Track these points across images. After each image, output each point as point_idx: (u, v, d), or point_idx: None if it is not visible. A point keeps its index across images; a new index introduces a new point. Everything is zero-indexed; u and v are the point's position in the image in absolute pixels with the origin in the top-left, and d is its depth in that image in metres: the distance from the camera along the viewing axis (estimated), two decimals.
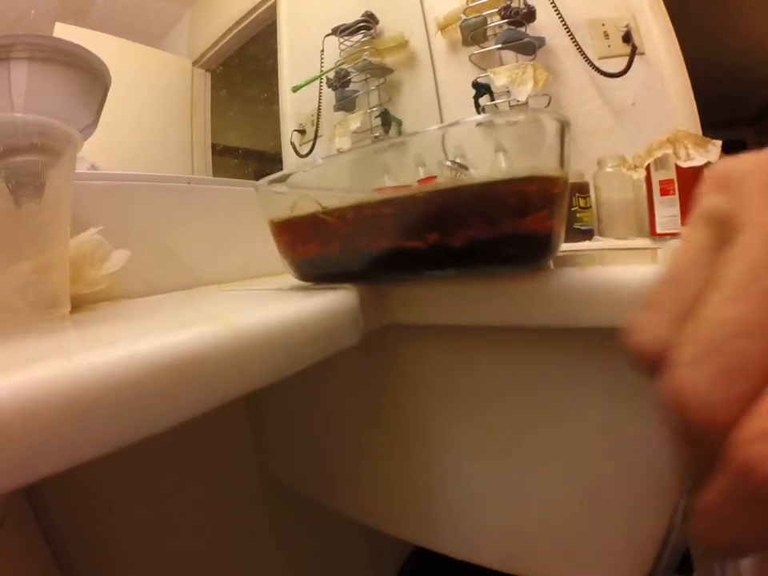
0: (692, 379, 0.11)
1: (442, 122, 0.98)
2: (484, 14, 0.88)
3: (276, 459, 0.49)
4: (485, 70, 0.89)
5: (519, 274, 0.24)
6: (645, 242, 0.71)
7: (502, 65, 0.90)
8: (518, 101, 0.86)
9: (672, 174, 0.65)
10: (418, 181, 0.73)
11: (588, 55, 0.83)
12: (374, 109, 0.98)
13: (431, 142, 0.39)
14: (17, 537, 0.33)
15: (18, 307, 0.23)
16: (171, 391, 0.15)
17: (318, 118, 0.97)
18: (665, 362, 0.12)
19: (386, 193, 0.24)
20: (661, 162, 0.67)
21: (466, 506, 0.34)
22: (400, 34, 0.98)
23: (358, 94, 0.98)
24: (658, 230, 0.68)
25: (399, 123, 0.99)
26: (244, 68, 0.93)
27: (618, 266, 0.22)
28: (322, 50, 0.97)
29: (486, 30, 0.91)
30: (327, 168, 0.28)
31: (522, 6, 0.86)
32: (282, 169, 0.53)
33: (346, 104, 0.98)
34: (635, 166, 0.71)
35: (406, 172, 0.67)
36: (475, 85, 0.91)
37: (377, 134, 0.98)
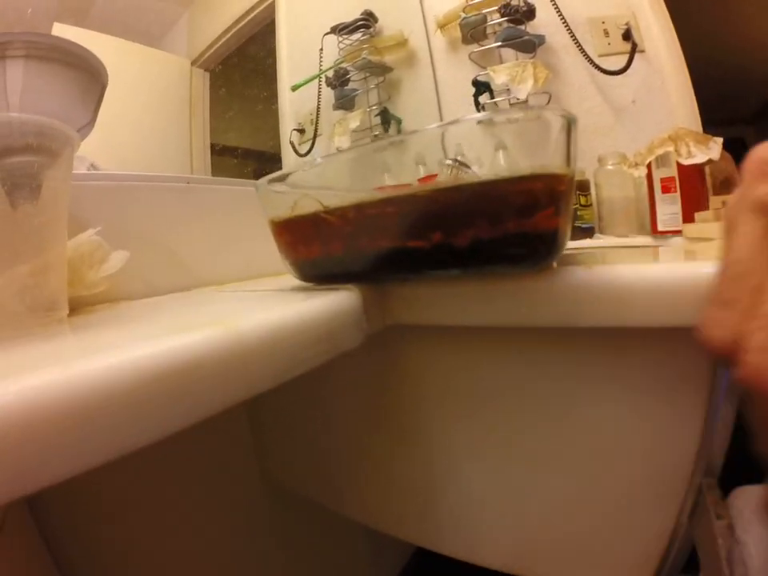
0: (766, 361, 0.12)
1: (441, 120, 0.97)
2: (484, 11, 0.88)
3: (277, 462, 0.49)
4: (485, 68, 0.89)
5: (524, 274, 0.23)
6: (646, 240, 0.71)
7: (501, 63, 0.89)
8: (518, 99, 0.86)
9: (673, 172, 0.65)
10: (419, 179, 0.73)
11: (588, 53, 0.83)
12: (374, 107, 0.98)
13: (431, 140, 0.39)
14: (16, 542, 0.33)
15: (16, 311, 0.23)
16: (173, 397, 0.14)
17: (318, 117, 0.96)
18: (739, 350, 0.13)
19: (389, 192, 0.23)
20: (662, 160, 0.66)
21: (467, 506, 0.33)
22: (399, 33, 0.98)
23: (357, 92, 0.98)
24: (660, 228, 0.68)
25: (399, 122, 0.99)
26: (243, 67, 0.92)
27: (624, 265, 0.21)
28: (321, 49, 0.97)
29: (485, 28, 0.90)
30: (327, 167, 0.27)
31: (522, 3, 0.85)
32: (281, 168, 0.53)
33: (345, 103, 0.97)
34: (636, 164, 0.70)
35: (406, 171, 0.67)
36: (475, 83, 0.91)
37: (376, 133, 0.97)
